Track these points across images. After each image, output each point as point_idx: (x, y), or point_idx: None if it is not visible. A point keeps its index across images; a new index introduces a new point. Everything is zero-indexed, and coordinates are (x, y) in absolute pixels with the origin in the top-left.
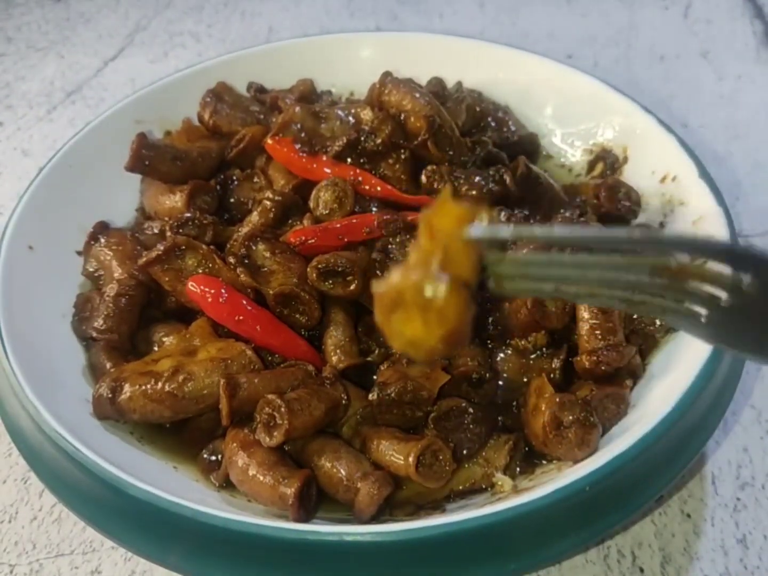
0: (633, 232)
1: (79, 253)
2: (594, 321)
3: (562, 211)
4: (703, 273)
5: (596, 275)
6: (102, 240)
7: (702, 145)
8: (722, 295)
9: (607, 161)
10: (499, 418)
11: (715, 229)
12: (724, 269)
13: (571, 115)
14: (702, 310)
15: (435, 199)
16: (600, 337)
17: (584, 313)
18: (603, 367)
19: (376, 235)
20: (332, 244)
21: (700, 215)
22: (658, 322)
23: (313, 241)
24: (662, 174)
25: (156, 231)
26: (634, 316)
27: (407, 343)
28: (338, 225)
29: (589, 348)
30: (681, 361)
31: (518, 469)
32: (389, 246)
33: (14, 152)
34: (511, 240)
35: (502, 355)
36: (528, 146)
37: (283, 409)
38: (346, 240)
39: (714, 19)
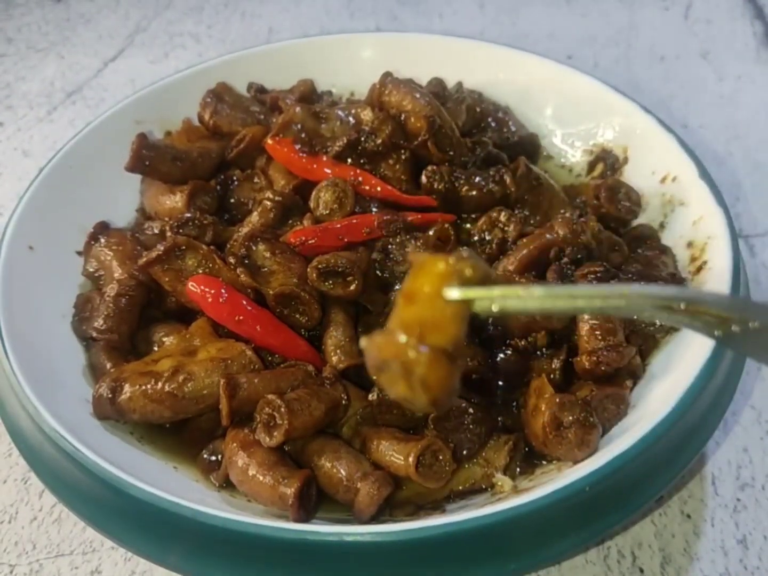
0: (628, 290)
1: (79, 253)
2: (594, 321)
3: (562, 211)
4: (710, 312)
5: (595, 306)
6: (102, 240)
7: (702, 145)
8: (732, 326)
9: (607, 162)
10: (499, 419)
11: (715, 229)
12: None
13: (572, 116)
14: (715, 331)
15: (415, 257)
16: (600, 337)
17: (584, 314)
18: (603, 368)
19: (376, 236)
20: (332, 244)
21: (700, 215)
22: (658, 323)
23: (313, 241)
24: (662, 174)
25: (156, 231)
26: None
27: (399, 398)
28: (338, 225)
29: (589, 348)
30: (681, 362)
31: (518, 469)
32: (389, 246)
33: (14, 153)
34: (498, 296)
35: (502, 355)
36: (528, 147)
37: (283, 409)
38: (346, 240)
39: (714, 20)
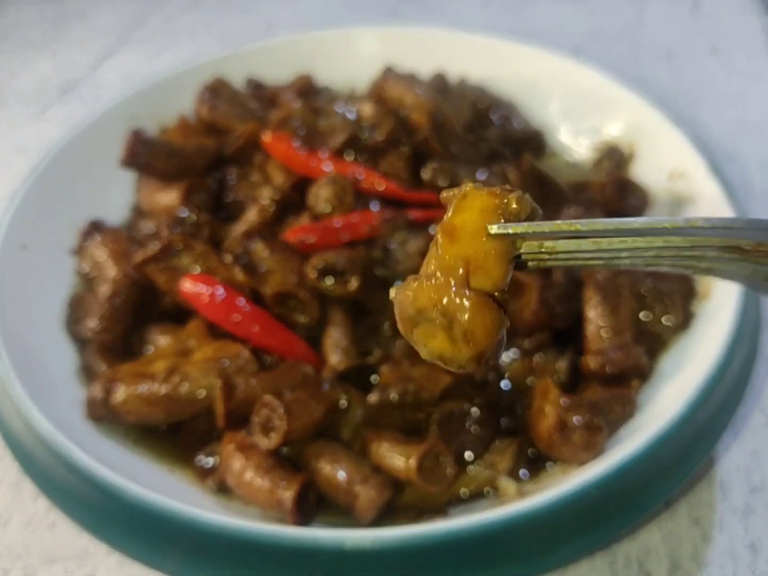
0: (694, 221)
1: (73, 252)
2: (601, 320)
3: (567, 208)
4: None
5: (652, 254)
6: (96, 239)
7: (711, 142)
8: None
9: (614, 158)
10: (503, 421)
11: None
12: None
13: (578, 111)
14: None
15: (450, 197)
16: (607, 337)
17: (590, 313)
18: (609, 369)
19: (377, 233)
20: (332, 242)
21: (708, 212)
22: (666, 322)
23: (312, 239)
24: (670, 170)
25: (152, 230)
26: (642, 317)
27: (434, 357)
28: (338, 223)
29: (595, 348)
30: (690, 363)
31: (523, 472)
32: (390, 244)
33: (8, 151)
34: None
35: (505, 356)
36: (533, 143)
37: (281, 411)
38: (345, 238)
39: (723, 16)
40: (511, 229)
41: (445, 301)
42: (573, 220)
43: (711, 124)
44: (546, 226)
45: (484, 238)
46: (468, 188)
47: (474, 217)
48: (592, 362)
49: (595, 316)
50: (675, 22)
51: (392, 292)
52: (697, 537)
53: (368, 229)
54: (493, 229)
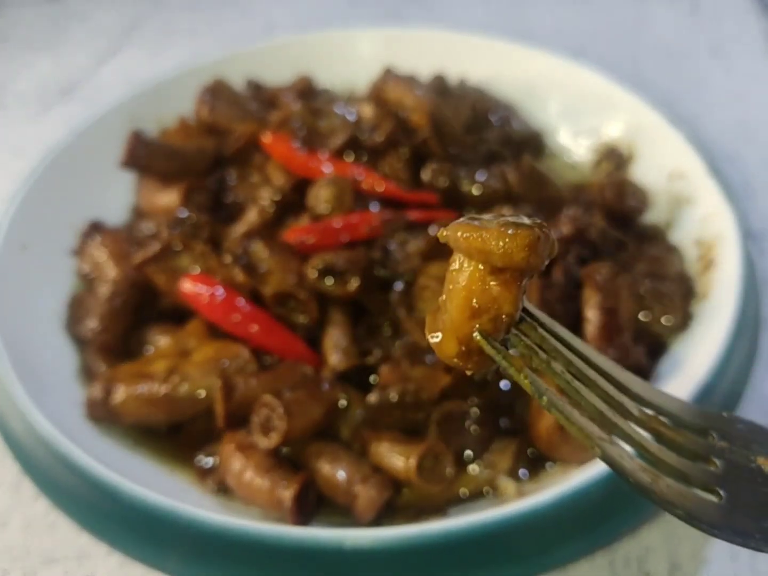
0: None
1: (73, 252)
2: (600, 320)
3: (567, 209)
4: None
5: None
6: (97, 239)
7: (711, 143)
8: None
9: (613, 159)
10: (503, 421)
11: (724, 227)
12: None
13: (577, 112)
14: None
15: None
16: (606, 336)
17: (590, 312)
18: None
19: (376, 234)
20: (331, 243)
21: (708, 213)
22: (665, 323)
23: (311, 239)
24: (670, 171)
25: (151, 230)
26: (641, 317)
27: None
28: (337, 224)
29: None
30: (689, 363)
31: (522, 472)
32: (389, 245)
33: (6, 152)
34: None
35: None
36: (532, 144)
37: (280, 411)
38: (345, 239)
39: (723, 16)
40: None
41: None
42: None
43: (710, 124)
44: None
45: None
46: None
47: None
48: None
49: (594, 316)
50: (675, 22)
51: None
52: (697, 536)
53: (368, 230)
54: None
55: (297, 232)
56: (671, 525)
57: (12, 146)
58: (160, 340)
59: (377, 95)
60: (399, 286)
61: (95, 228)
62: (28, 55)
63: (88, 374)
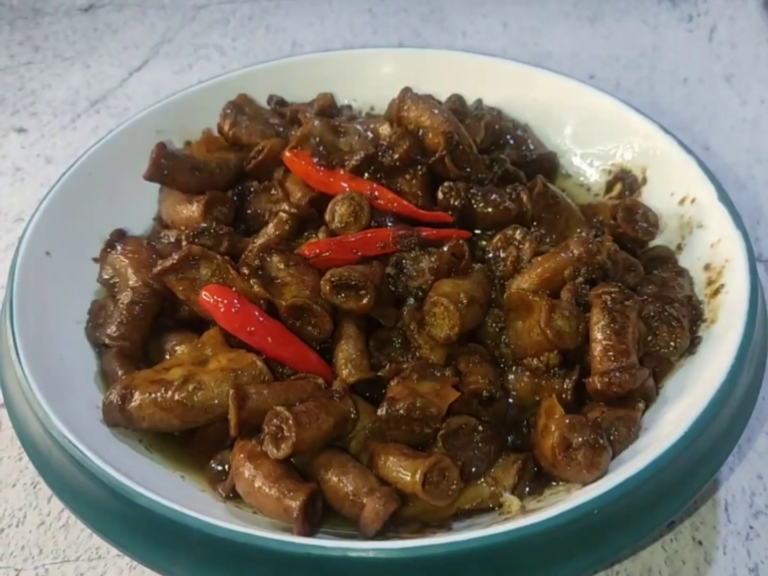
0: None
1: (95, 260)
2: (607, 342)
3: (578, 231)
4: None
5: None
6: (118, 248)
7: (724, 168)
8: None
9: (625, 182)
10: (509, 438)
11: (734, 252)
12: None
13: (591, 135)
14: None
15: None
16: (613, 358)
17: (597, 334)
18: (615, 389)
19: (390, 250)
20: (346, 257)
21: (718, 238)
22: (672, 345)
23: (327, 254)
24: (681, 196)
25: (172, 240)
26: (649, 338)
27: None
28: (353, 239)
29: (601, 369)
30: (695, 386)
31: (527, 489)
32: (403, 261)
33: (37, 159)
34: None
35: (513, 375)
36: (546, 165)
37: (290, 422)
38: (360, 254)
39: (738, 43)
40: None
41: None
42: None
43: (723, 149)
44: None
45: None
46: None
47: None
48: (598, 383)
49: (602, 337)
50: (691, 49)
51: None
52: (700, 559)
53: (382, 246)
54: None
55: (313, 246)
56: (674, 547)
57: (42, 153)
58: (178, 348)
59: (395, 114)
60: (411, 301)
61: (118, 237)
62: (60, 66)
63: (106, 379)
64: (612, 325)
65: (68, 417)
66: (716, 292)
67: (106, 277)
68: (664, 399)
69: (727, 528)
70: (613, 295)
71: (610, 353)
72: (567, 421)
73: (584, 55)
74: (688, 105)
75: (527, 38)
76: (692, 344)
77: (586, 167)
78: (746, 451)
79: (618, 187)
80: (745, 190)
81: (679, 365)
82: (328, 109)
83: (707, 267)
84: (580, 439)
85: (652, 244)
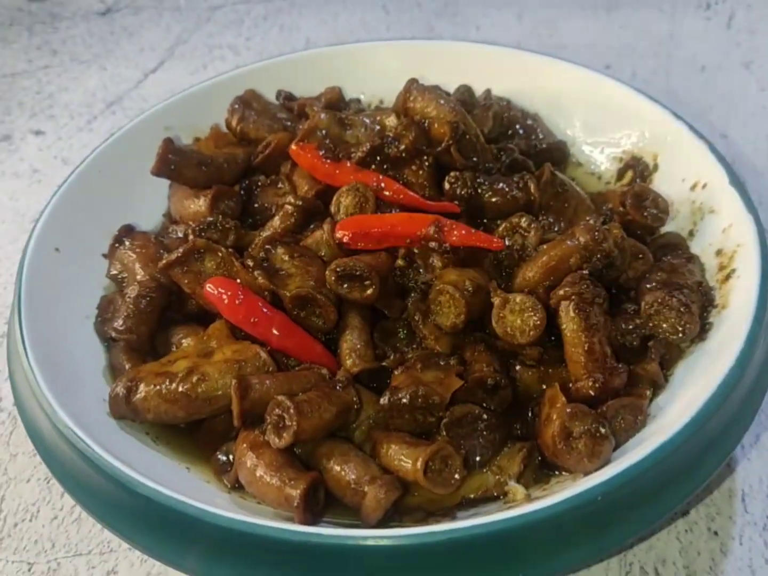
0: None
1: (104, 255)
2: (588, 345)
3: (587, 218)
4: None
5: None
6: (126, 243)
7: (742, 156)
8: None
9: (636, 169)
10: (514, 426)
11: (745, 236)
12: None
13: (601, 123)
14: None
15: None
16: (597, 362)
17: (574, 339)
18: (604, 392)
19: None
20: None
21: (730, 223)
22: (681, 331)
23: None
24: (693, 181)
25: (180, 235)
26: (651, 324)
27: None
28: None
29: (586, 375)
30: (705, 372)
31: (533, 477)
32: (414, 254)
33: (54, 160)
34: None
35: (519, 363)
36: (556, 154)
37: (292, 411)
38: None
39: (757, 30)
40: None
41: None
42: None
43: (742, 137)
44: None
45: None
46: None
47: None
48: (591, 390)
49: (580, 341)
50: (709, 36)
51: None
52: (716, 549)
53: (408, 241)
54: None
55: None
56: (689, 537)
57: (59, 155)
58: (184, 341)
59: (402, 105)
60: (415, 295)
61: (126, 232)
62: (77, 69)
63: (114, 373)
64: (587, 330)
65: (76, 411)
66: (727, 277)
67: (115, 272)
68: (674, 386)
69: (743, 518)
70: (583, 295)
71: (594, 357)
72: (568, 410)
73: (600, 45)
74: (705, 93)
75: (542, 30)
76: (703, 330)
77: (597, 155)
78: (765, 440)
79: (629, 175)
80: (764, 177)
81: (689, 351)
82: (336, 102)
83: (719, 252)
84: (581, 428)
85: (663, 230)
